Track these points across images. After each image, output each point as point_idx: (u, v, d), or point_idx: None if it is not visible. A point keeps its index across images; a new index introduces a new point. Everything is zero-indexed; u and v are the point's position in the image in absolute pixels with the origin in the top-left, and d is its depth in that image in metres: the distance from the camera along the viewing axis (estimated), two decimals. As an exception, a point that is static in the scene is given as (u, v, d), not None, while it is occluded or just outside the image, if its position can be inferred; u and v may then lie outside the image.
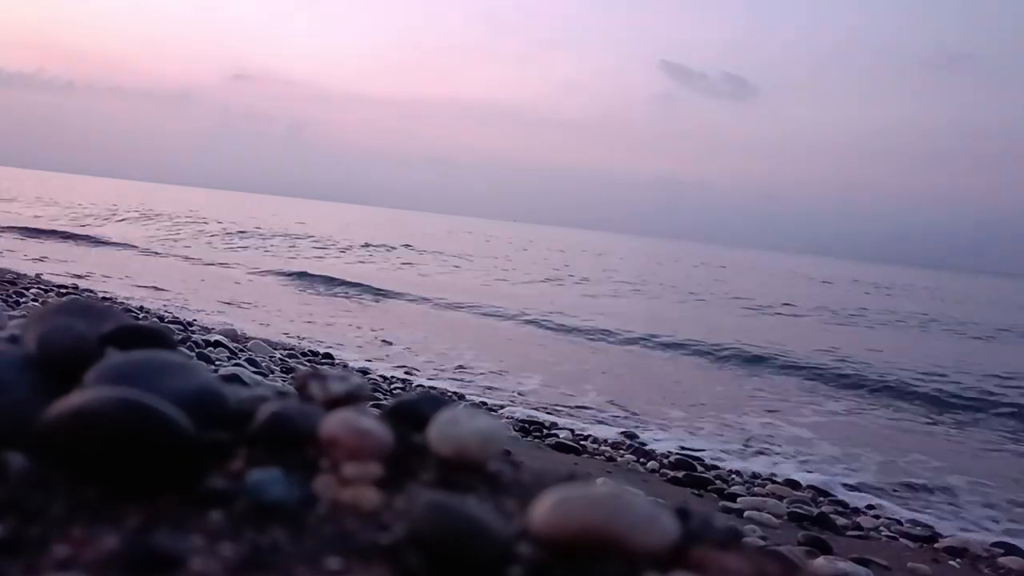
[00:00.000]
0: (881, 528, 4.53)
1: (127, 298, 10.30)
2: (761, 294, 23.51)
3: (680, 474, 5.07)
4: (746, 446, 6.58)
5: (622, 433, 6.34)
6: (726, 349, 11.61)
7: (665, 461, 5.50)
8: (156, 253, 19.61)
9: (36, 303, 7.17)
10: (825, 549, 3.78)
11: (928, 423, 8.67)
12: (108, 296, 10.28)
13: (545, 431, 5.86)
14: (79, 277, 12.20)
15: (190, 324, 8.33)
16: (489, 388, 7.66)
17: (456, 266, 25.22)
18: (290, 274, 17.03)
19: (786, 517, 4.37)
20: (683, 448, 6.10)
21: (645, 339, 12.11)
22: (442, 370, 8.34)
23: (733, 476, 5.43)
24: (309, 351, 8.09)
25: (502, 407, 6.77)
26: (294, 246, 25.66)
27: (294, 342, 8.77)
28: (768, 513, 4.35)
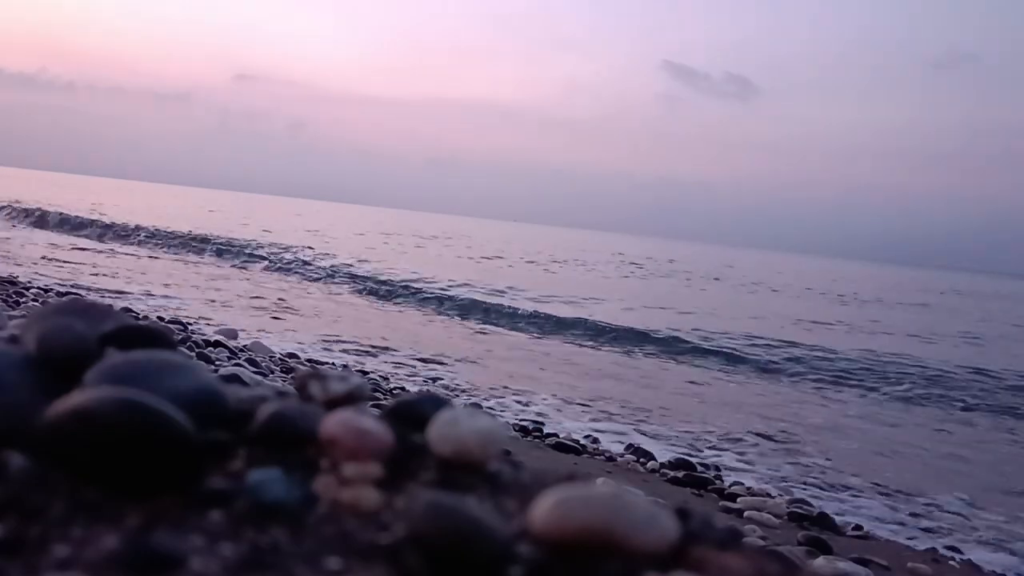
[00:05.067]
0: (881, 528, 4.54)
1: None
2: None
3: (680, 474, 5.06)
4: None
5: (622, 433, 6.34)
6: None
7: (665, 461, 5.50)
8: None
9: (36, 303, 7.17)
10: (825, 549, 3.78)
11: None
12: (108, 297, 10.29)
13: (545, 431, 5.86)
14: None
15: (190, 324, 8.34)
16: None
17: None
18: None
19: (786, 517, 4.37)
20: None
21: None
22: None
23: (733, 476, 5.43)
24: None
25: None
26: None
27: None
28: (768, 513, 4.35)
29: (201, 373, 0.66)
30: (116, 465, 0.53)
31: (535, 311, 13.71)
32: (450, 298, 14.74)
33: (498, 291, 16.36)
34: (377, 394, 5.81)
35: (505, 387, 7.57)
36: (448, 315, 13.54)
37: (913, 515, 5.03)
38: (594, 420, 6.74)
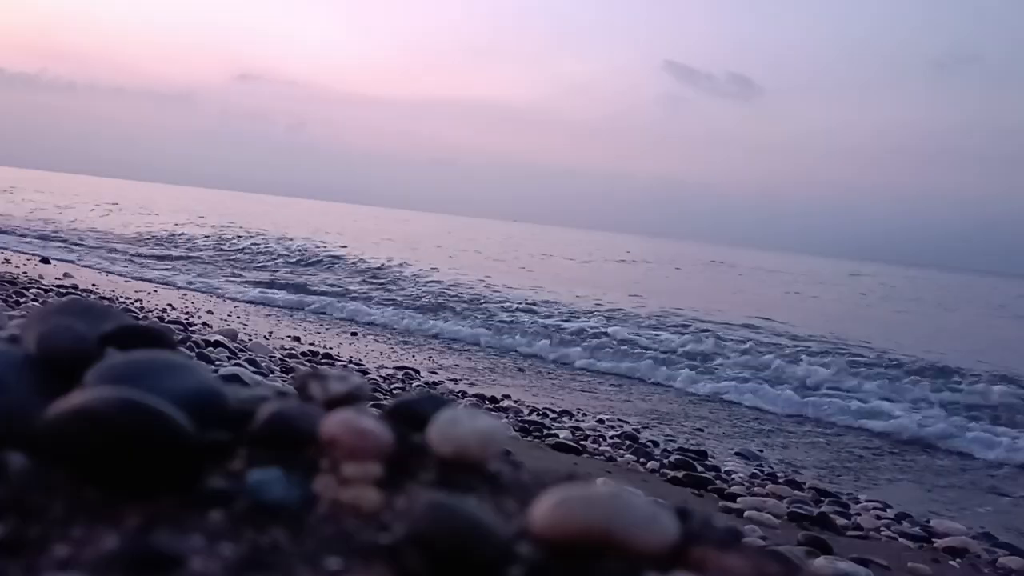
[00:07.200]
0: (881, 528, 4.53)
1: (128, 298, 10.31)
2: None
3: (680, 474, 5.06)
4: None
5: (622, 433, 6.34)
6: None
7: (665, 461, 5.50)
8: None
9: (36, 303, 7.17)
10: (825, 549, 3.77)
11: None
12: (108, 296, 10.29)
13: (545, 431, 5.86)
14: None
15: (190, 324, 8.34)
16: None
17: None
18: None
19: (786, 517, 4.37)
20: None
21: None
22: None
23: (733, 476, 5.43)
24: (309, 351, 8.09)
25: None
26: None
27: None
28: (768, 513, 4.34)
29: (201, 373, 0.66)
30: (116, 465, 0.53)
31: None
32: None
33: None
34: (377, 394, 5.81)
35: None
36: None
37: (911, 514, 5.03)
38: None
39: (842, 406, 8.75)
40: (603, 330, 12.42)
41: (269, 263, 18.37)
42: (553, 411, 6.96)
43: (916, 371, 11.02)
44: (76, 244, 18.74)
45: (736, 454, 6.43)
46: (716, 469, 5.57)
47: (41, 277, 10.87)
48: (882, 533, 4.45)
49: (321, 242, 22.57)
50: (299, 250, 19.92)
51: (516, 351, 10.58)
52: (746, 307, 17.85)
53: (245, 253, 19.53)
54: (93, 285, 11.38)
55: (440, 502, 0.50)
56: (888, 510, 5.08)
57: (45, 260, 14.37)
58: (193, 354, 5.13)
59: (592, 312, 14.26)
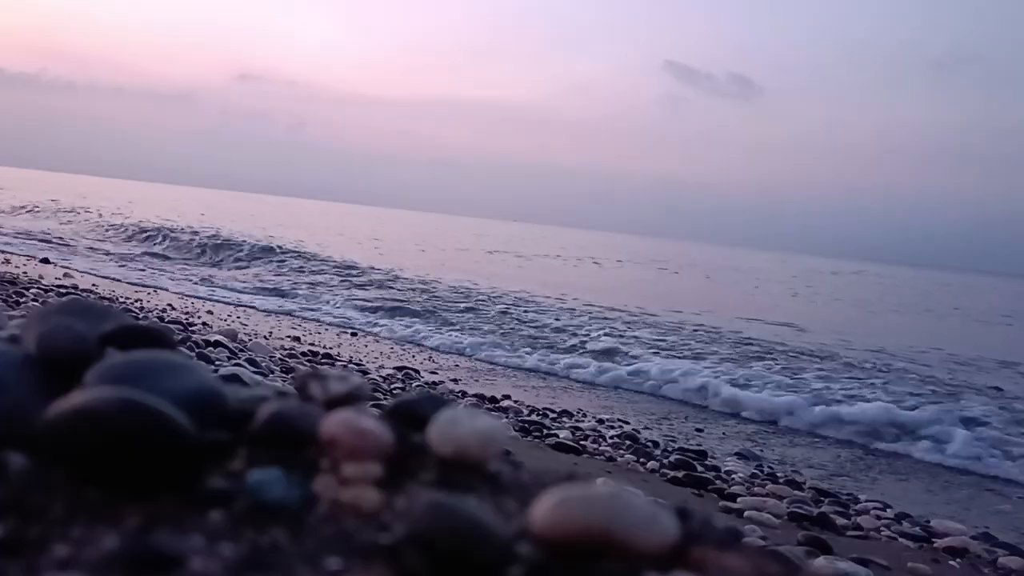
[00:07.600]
0: (881, 528, 4.53)
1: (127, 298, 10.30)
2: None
3: (680, 474, 5.06)
4: None
5: (622, 433, 6.34)
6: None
7: (665, 461, 5.50)
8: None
9: (36, 303, 7.17)
10: (825, 549, 3.77)
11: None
12: (108, 296, 10.29)
13: (545, 431, 5.86)
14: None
15: (190, 324, 8.34)
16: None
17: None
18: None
19: (786, 517, 4.36)
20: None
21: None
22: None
23: (733, 476, 5.43)
24: (309, 351, 8.09)
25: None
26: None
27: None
28: (768, 513, 4.34)
29: (201, 373, 0.66)
30: (116, 465, 0.53)
31: None
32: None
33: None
34: (377, 394, 5.81)
35: None
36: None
37: (911, 515, 5.03)
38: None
39: (842, 405, 8.75)
40: (602, 331, 12.43)
41: (268, 263, 18.40)
42: (553, 411, 6.96)
43: (916, 371, 11.07)
44: (73, 245, 18.77)
45: (736, 454, 6.43)
46: (716, 469, 5.57)
47: (41, 277, 10.87)
48: (882, 533, 4.45)
49: (317, 242, 22.63)
50: (296, 251, 19.97)
51: (515, 354, 10.58)
52: (746, 308, 17.96)
53: (239, 253, 19.55)
54: (93, 285, 11.39)
55: (440, 502, 0.50)
56: (888, 510, 5.08)
57: (45, 260, 14.38)
58: (193, 354, 5.12)
59: (590, 313, 14.29)
